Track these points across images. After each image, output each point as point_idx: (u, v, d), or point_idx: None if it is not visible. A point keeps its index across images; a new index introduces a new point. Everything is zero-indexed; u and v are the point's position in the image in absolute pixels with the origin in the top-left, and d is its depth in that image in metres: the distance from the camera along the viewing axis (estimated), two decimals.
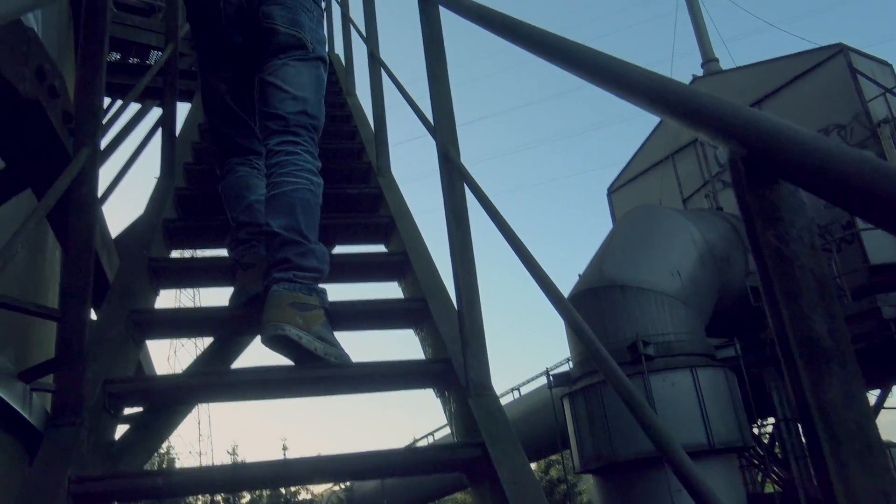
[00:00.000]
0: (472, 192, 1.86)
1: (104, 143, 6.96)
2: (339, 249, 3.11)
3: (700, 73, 16.19)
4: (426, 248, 2.73)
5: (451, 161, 2.00)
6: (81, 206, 1.79)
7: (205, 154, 3.73)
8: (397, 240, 2.89)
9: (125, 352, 2.15)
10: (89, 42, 1.89)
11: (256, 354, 2.92)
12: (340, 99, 4.91)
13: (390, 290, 2.85)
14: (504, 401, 17.64)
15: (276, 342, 2.01)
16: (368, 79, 3.72)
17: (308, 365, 2.05)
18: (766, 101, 13.81)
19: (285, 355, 2.06)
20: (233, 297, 2.37)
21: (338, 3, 5.79)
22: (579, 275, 12.06)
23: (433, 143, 2.15)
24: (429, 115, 2.26)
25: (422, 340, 2.45)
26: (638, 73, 0.96)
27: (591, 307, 10.46)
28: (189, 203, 3.26)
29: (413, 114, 2.65)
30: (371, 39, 3.86)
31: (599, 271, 10.79)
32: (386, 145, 3.53)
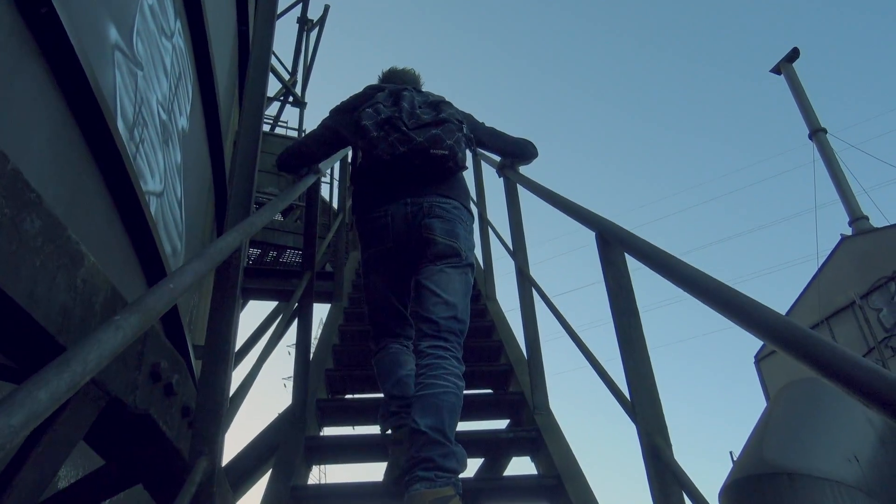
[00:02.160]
0: None
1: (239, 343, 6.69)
2: None
3: (848, 231, 14.59)
4: None
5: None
6: None
7: (344, 356, 3.67)
8: None
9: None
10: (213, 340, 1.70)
11: None
12: (480, 304, 4.13)
13: None
14: None
15: None
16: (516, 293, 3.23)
17: None
18: None
19: None
20: (387, 471, 2.45)
21: (474, 203, 5.12)
22: (731, 453, 10.41)
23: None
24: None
25: None
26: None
27: (753, 498, 8.81)
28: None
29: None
30: (519, 254, 3.29)
31: (759, 455, 9.13)
32: (543, 376, 2.94)
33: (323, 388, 3.22)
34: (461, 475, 2.26)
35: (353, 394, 3.37)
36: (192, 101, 4.80)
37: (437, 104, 2.80)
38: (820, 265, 14.15)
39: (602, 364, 2.12)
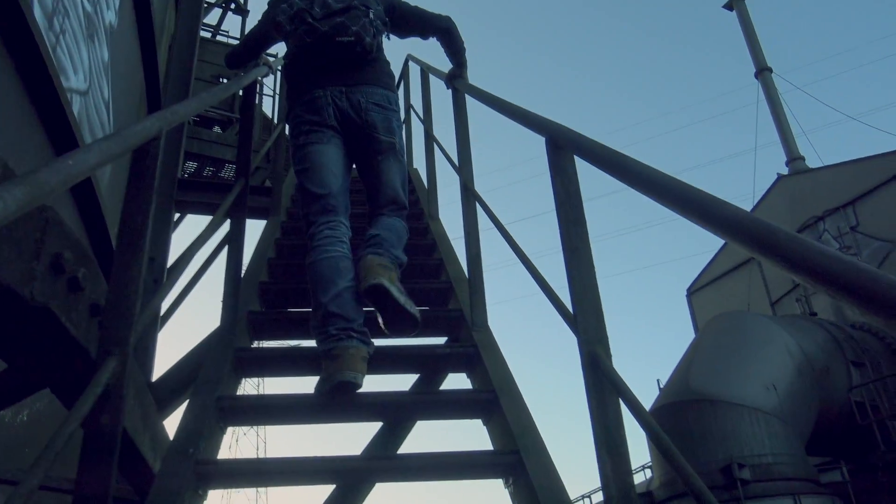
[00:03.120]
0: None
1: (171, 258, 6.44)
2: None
3: (785, 170, 14.90)
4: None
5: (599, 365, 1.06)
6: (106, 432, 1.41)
7: (279, 269, 3.56)
8: (499, 423, 2.30)
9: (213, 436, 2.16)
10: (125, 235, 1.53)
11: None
12: (422, 223, 3.98)
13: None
14: None
15: (373, 289, 2.40)
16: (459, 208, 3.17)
17: (384, 456, 2.38)
18: (859, 202, 12.43)
19: (379, 301, 2.46)
20: (319, 384, 2.38)
21: (420, 120, 4.93)
22: (658, 381, 10.80)
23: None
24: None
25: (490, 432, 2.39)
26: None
27: (677, 422, 9.28)
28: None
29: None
30: (465, 169, 3.17)
31: (685, 383, 9.55)
32: (482, 293, 2.85)
33: (256, 303, 3.08)
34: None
35: (289, 308, 3.24)
36: None
37: None
38: (756, 202, 14.50)
39: (544, 277, 2.04)
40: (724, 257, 14.92)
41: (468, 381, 2.72)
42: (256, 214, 5.83)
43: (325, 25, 2.72)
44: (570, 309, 1.62)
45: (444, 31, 3.17)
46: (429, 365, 2.73)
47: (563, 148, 1.68)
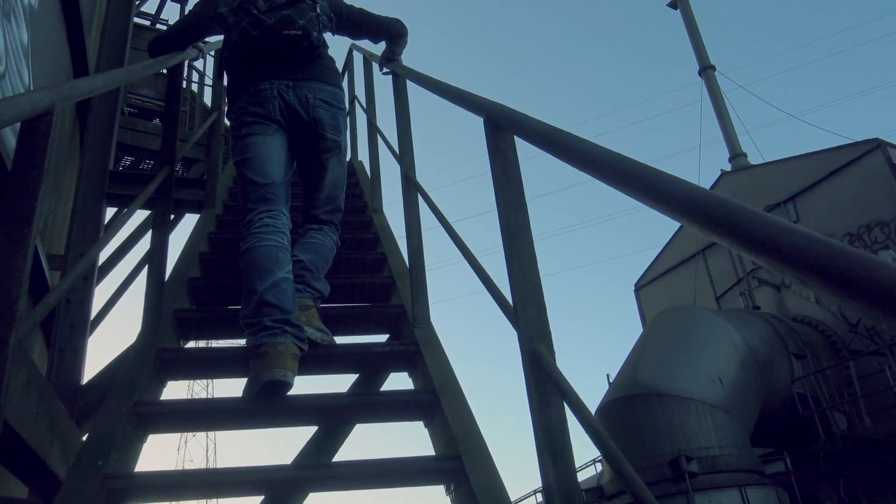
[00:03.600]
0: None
1: (105, 253, 6.14)
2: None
3: (728, 167, 15.13)
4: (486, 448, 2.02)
5: None
6: None
7: (212, 264, 3.36)
8: (441, 425, 2.18)
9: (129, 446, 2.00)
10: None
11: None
12: (366, 216, 3.81)
13: None
14: None
15: None
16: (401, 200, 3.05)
17: (315, 465, 2.30)
18: (800, 197, 12.69)
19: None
20: (247, 386, 2.22)
21: (363, 109, 4.76)
22: (608, 375, 10.82)
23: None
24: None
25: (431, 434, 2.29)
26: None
27: (626, 417, 9.33)
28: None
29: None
30: (406, 158, 3.04)
31: (634, 377, 9.60)
32: (424, 287, 2.73)
33: (186, 300, 2.88)
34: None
35: (221, 306, 3.05)
36: None
37: None
38: None
39: (484, 268, 1.91)
40: (671, 252, 15.09)
41: (410, 380, 2.59)
42: (193, 208, 5.58)
43: (271, 18, 2.64)
44: (511, 302, 1.50)
45: (397, 37, 3.16)
46: (368, 364, 2.58)
47: (502, 127, 1.56)
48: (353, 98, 5.63)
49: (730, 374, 9.75)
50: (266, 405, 2.10)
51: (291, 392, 2.17)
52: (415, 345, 2.47)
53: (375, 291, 3.11)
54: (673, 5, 18.25)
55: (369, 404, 2.25)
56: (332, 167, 2.78)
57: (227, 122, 6.11)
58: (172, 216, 5.58)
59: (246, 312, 2.29)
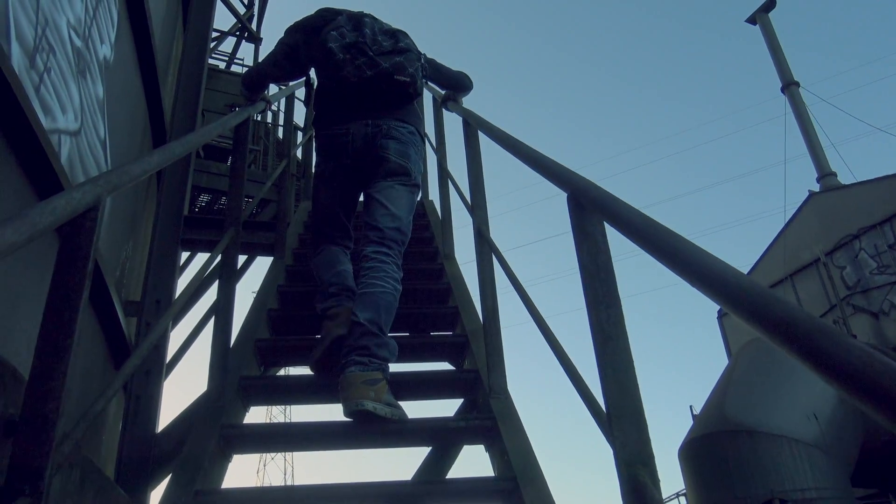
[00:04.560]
0: None
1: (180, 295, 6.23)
2: None
3: (816, 187, 14.39)
4: None
5: None
6: None
7: (280, 322, 3.33)
8: None
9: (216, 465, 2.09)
10: None
11: None
12: (437, 264, 3.67)
13: None
14: None
15: (356, 415, 2.33)
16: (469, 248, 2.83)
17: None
18: None
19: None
20: (318, 344, 2.65)
21: (433, 150, 4.65)
22: (691, 407, 10.35)
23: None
24: None
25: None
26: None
27: (714, 455, 8.86)
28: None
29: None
30: (479, 212, 2.87)
31: (721, 413, 9.12)
32: (501, 353, 2.52)
33: (253, 366, 2.78)
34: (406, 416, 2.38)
35: (290, 366, 2.95)
36: (119, 28, 4.22)
37: (395, 33, 2.94)
38: (787, 220, 13.96)
39: (573, 360, 1.71)
40: (756, 278, 14.40)
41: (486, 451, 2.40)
42: (264, 251, 5.56)
43: (386, 62, 2.80)
44: (604, 409, 1.30)
45: (465, 89, 3.38)
46: (442, 438, 2.41)
47: (589, 209, 1.36)
48: (423, 135, 5.51)
49: (826, 409, 9.17)
50: (333, 496, 1.95)
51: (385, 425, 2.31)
52: (491, 419, 2.29)
53: (447, 351, 2.94)
54: (752, 21, 17.61)
55: (444, 493, 2.06)
56: (399, 192, 2.80)
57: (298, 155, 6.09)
58: (245, 258, 5.56)
59: (318, 298, 2.79)
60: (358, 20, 2.93)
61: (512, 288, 2.15)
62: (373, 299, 2.52)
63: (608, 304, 1.28)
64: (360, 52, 2.80)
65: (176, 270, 5.02)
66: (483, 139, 2.89)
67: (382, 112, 2.86)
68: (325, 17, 3.03)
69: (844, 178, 14.46)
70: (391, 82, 2.81)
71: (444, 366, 2.98)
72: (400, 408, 2.44)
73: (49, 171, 2.82)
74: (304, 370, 2.88)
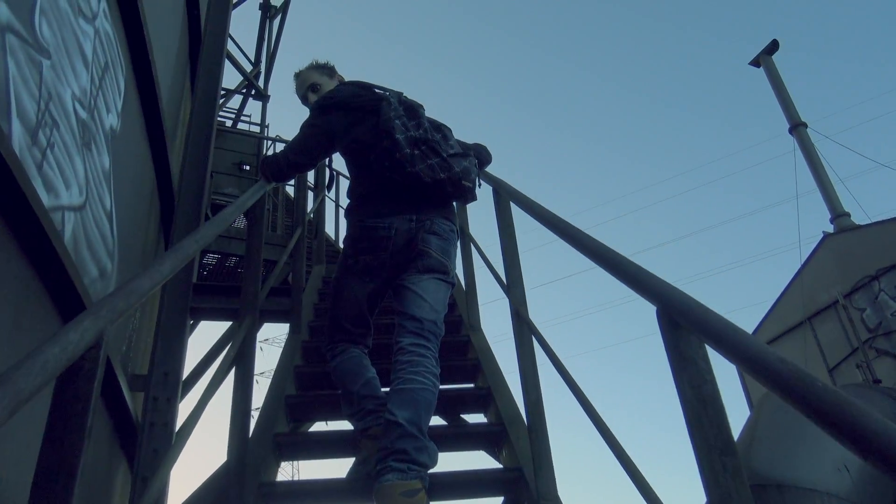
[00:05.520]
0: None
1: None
2: None
3: (830, 227, 14.18)
4: None
5: None
6: None
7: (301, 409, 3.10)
8: None
9: None
10: None
11: None
12: (462, 336, 3.41)
13: None
14: None
15: None
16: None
17: None
18: None
19: None
20: (358, 465, 2.54)
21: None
22: None
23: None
24: None
25: None
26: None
27: None
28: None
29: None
30: (515, 291, 2.67)
31: (747, 466, 8.72)
32: (548, 453, 2.24)
33: (272, 465, 2.54)
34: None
35: (314, 459, 2.71)
36: (126, 96, 4.08)
37: (440, 127, 2.81)
38: (802, 262, 13.70)
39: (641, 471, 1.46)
40: (774, 321, 14.08)
41: None
42: (278, 318, 5.34)
43: (458, 166, 2.70)
44: None
45: (487, 161, 3.26)
46: None
47: (684, 327, 1.13)
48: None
49: (856, 460, 8.82)
50: None
51: None
52: None
53: (481, 440, 2.69)
54: (756, 63, 17.61)
55: None
56: (437, 286, 2.65)
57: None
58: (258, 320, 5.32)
59: (349, 411, 2.64)
60: (412, 109, 2.77)
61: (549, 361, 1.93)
62: (412, 396, 2.31)
63: (722, 451, 1.03)
64: (432, 152, 2.67)
65: (185, 341, 4.80)
66: (515, 209, 2.68)
67: (427, 207, 2.73)
68: (363, 96, 2.84)
69: (856, 216, 14.27)
70: (457, 187, 2.70)
71: (480, 454, 2.72)
72: None
73: (52, 253, 2.65)
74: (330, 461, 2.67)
